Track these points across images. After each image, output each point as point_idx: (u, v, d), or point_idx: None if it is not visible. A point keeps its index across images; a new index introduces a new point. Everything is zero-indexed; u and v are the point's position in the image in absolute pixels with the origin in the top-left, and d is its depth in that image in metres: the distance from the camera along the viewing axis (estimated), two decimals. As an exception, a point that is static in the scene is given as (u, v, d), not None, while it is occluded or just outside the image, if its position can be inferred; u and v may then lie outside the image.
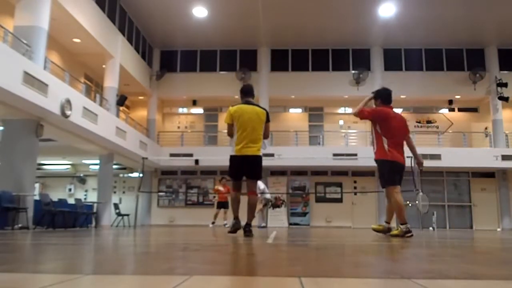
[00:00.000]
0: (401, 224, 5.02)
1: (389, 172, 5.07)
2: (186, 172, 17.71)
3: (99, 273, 1.60)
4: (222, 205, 13.55)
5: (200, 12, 14.92)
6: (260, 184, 12.68)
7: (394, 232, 5.11)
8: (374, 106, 5.42)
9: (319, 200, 17.22)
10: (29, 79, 8.24)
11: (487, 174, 17.03)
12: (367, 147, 16.96)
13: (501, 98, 16.51)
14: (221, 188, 13.51)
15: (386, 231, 5.36)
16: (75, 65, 13.99)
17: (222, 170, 17.30)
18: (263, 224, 13.28)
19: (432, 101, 18.10)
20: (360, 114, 5.22)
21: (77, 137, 11.47)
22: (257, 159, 4.95)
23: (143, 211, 16.99)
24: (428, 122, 18.14)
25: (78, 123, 10.33)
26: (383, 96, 5.36)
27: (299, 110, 18.75)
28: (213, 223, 13.46)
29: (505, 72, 17.04)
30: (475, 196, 17.15)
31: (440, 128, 17.93)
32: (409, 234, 4.95)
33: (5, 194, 8.60)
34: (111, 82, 13.93)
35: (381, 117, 5.16)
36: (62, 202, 11.35)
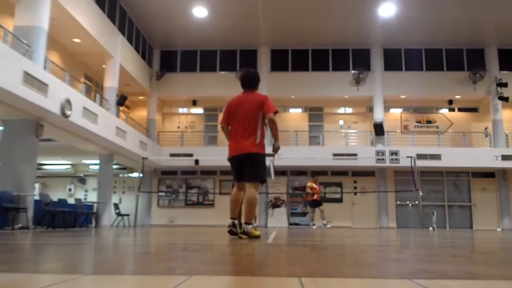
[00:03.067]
0: (231, 218, 4.67)
1: (231, 166, 4.62)
2: (186, 172, 17.71)
3: (99, 273, 1.60)
4: (316, 203, 12.81)
5: (200, 12, 14.92)
6: None
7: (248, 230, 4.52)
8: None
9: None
10: (29, 79, 8.24)
11: (487, 174, 17.03)
12: (367, 147, 17.00)
13: (501, 98, 16.51)
14: (315, 185, 12.76)
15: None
16: (75, 65, 14.00)
17: (222, 170, 17.32)
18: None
19: (432, 101, 18.11)
20: (222, 124, 4.72)
21: (77, 137, 11.46)
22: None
23: (143, 211, 16.98)
24: (428, 122, 18.14)
25: (78, 123, 10.33)
26: (240, 81, 4.70)
27: (299, 110, 18.75)
28: (313, 224, 13.00)
29: (505, 72, 17.04)
30: (475, 196, 17.15)
31: (440, 128, 17.93)
32: (229, 229, 4.60)
33: (5, 194, 8.60)
34: (111, 82, 13.93)
35: (228, 110, 4.59)
36: (62, 202, 11.36)
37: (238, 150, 4.43)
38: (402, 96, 17.59)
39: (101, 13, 12.90)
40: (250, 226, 4.43)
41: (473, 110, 18.29)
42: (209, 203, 17.58)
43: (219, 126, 4.77)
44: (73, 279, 1.40)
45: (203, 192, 17.70)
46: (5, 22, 9.68)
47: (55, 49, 12.67)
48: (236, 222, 4.72)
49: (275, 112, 4.43)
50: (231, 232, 4.70)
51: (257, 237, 4.37)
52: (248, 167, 4.45)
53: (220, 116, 18.70)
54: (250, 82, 4.65)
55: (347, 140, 17.65)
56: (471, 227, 16.84)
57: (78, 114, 10.34)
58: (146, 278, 1.46)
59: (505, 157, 15.86)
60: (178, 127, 18.85)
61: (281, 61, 17.83)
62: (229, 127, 4.64)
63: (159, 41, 17.58)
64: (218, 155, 15.37)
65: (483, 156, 16.01)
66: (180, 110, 19.25)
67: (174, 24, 15.96)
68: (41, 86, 8.66)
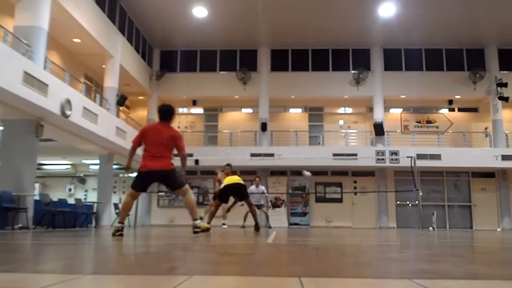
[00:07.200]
0: (119, 223, 5.26)
1: (136, 177, 5.34)
2: (186, 172, 17.66)
3: (99, 273, 1.60)
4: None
5: (200, 12, 14.92)
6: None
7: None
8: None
9: (319, 200, 17.21)
10: (29, 79, 8.24)
11: (487, 174, 17.02)
12: (367, 147, 16.99)
13: (501, 98, 16.50)
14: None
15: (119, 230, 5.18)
16: (75, 65, 13.99)
17: (222, 170, 17.29)
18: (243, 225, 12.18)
19: (432, 101, 18.10)
20: (134, 144, 5.44)
21: (77, 137, 11.46)
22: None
23: (143, 211, 16.98)
24: (428, 122, 18.14)
25: (78, 123, 10.33)
26: (158, 114, 5.53)
27: (299, 110, 18.74)
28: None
29: (505, 72, 17.03)
30: (475, 196, 17.15)
31: (440, 128, 17.93)
32: (118, 233, 5.06)
33: (5, 194, 8.60)
34: (111, 82, 13.92)
35: (143, 134, 5.41)
36: (62, 202, 11.35)
37: (156, 166, 5.20)
38: (402, 96, 17.59)
39: (101, 13, 12.89)
40: (198, 222, 5.40)
41: (473, 110, 18.29)
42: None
43: (131, 144, 5.50)
44: (73, 279, 1.40)
45: (203, 192, 17.70)
46: (5, 22, 9.68)
47: (55, 49, 12.66)
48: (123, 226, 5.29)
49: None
50: (120, 235, 5.08)
51: (207, 230, 5.52)
52: (169, 180, 5.44)
53: (220, 116, 18.61)
54: (167, 115, 5.45)
55: (347, 140, 17.64)
56: (471, 227, 16.84)
57: (78, 114, 10.34)
58: (146, 278, 1.46)
59: (505, 157, 15.84)
60: (178, 127, 18.83)
61: (281, 61, 17.81)
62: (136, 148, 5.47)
63: (159, 41, 17.58)
64: (218, 155, 15.39)
65: (483, 156, 16.00)
66: (180, 110, 19.23)
67: (174, 24, 15.95)
68: (41, 86, 8.66)
